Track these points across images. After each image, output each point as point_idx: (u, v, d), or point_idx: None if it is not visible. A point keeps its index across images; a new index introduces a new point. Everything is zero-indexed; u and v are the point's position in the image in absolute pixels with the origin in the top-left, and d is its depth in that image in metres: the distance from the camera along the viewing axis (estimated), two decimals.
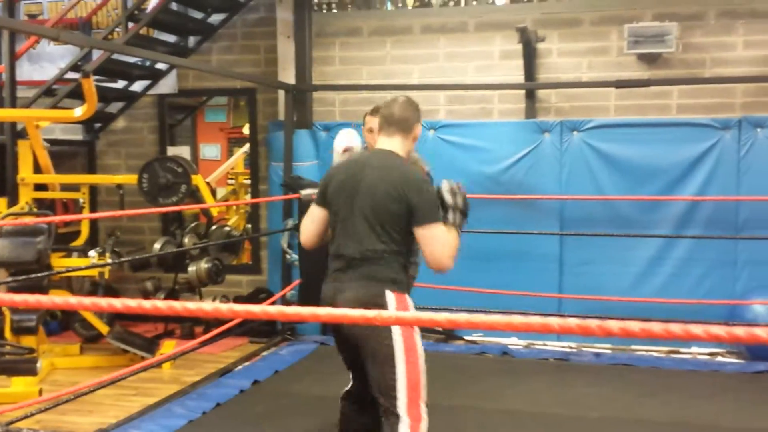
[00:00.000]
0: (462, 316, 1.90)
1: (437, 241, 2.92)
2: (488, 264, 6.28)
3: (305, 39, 6.65)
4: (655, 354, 5.86)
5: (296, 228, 6.26)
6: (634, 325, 1.74)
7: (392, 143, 3.09)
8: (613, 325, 1.77)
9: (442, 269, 2.94)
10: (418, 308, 3.18)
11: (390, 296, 2.93)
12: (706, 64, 6.19)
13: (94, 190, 7.20)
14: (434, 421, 4.30)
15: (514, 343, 6.16)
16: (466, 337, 6.31)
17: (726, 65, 6.13)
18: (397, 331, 2.90)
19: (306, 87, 6.66)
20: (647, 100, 6.29)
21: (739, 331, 1.73)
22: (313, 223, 3.16)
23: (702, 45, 6.18)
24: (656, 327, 1.71)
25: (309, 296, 5.94)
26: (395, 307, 2.92)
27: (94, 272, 5.71)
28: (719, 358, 5.78)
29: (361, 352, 2.97)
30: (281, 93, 6.78)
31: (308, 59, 6.70)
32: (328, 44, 6.95)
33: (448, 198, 3.08)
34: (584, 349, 6.00)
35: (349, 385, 3.26)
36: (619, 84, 6.09)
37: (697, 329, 1.72)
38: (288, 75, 6.79)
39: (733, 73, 6.09)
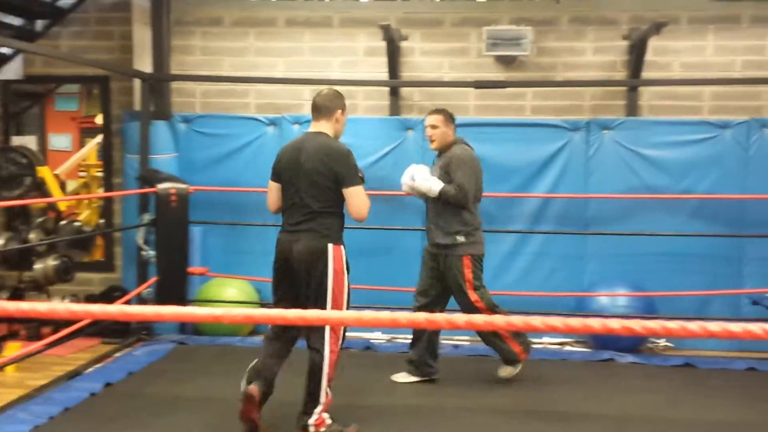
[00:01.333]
0: (318, 313, 1.89)
1: (358, 198, 3.83)
2: (354, 260, 6.25)
3: (163, 26, 6.40)
4: None
5: (153, 223, 6.03)
6: (478, 318, 1.80)
7: (320, 126, 3.97)
8: (458, 319, 1.82)
9: (361, 219, 3.85)
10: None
11: (330, 248, 3.84)
12: (558, 68, 6.50)
13: None
14: (293, 418, 4.27)
15: (378, 337, 6.22)
16: None
17: (576, 69, 6.46)
18: (330, 265, 3.83)
19: (164, 76, 6.41)
20: (504, 101, 6.52)
21: (576, 322, 1.82)
22: (271, 193, 4.04)
23: (555, 49, 6.48)
24: (499, 320, 1.77)
25: (166, 294, 5.74)
26: (333, 255, 3.83)
27: None
28: (567, 348, 6.09)
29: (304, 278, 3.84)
30: (137, 82, 6.49)
31: (166, 48, 6.45)
32: (187, 33, 6.73)
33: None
34: (443, 341, 6.14)
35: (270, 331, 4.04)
36: (478, 85, 6.28)
37: (535, 321, 1.81)
38: (144, 63, 6.51)
39: (582, 77, 6.43)
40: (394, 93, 6.56)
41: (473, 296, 4.76)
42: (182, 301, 5.87)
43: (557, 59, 6.50)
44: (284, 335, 3.97)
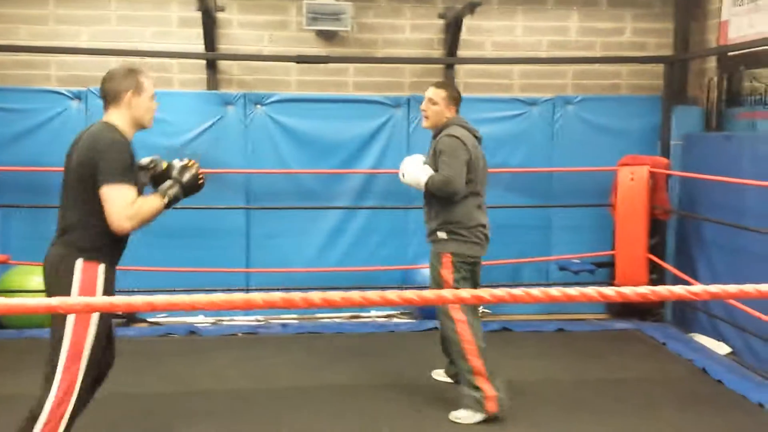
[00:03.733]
0: (140, 299, 1.75)
1: (112, 201, 2.95)
2: (173, 241, 6.03)
3: None
4: (338, 320, 6.12)
5: None
6: (315, 296, 1.75)
7: (107, 116, 3.14)
8: (296, 296, 1.76)
9: (116, 230, 2.99)
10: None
11: (79, 263, 2.98)
12: (378, 44, 6.55)
13: None
14: (120, 411, 4.01)
15: (201, 321, 6.00)
16: (149, 319, 5.99)
17: (396, 46, 6.54)
18: (70, 318, 2.94)
19: None
20: (326, 77, 6.47)
21: (410, 294, 1.82)
22: None
23: (374, 26, 6.52)
24: (335, 295, 1.74)
25: None
26: (81, 274, 2.97)
27: None
28: (395, 320, 6.21)
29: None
30: None
31: None
32: None
33: (175, 172, 3.23)
34: (272, 321, 6.05)
35: None
36: (300, 60, 6.18)
37: (373, 295, 1.78)
38: None
39: (401, 54, 6.53)
40: (212, 66, 6.30)
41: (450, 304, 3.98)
42: None
43: (377, 36, 6.54)
44: None
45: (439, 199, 4.04)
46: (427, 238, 4.20)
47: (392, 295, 1.81)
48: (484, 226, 4.14)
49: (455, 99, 4.22)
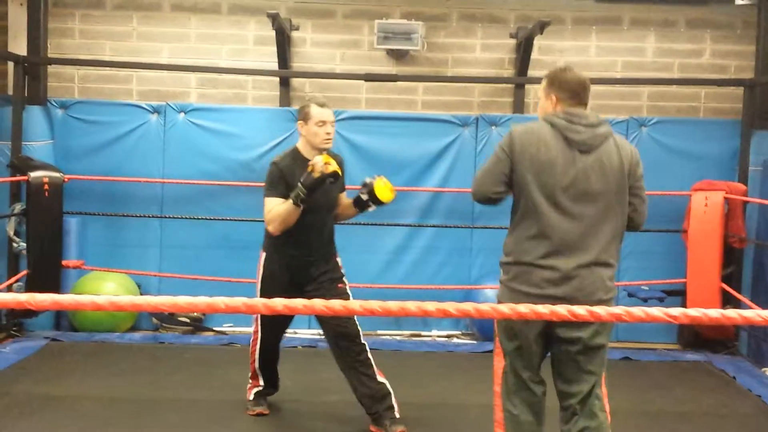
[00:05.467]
0: (203, 300, 1.81)
1: (265, 210, 3.81)
2: (240, 252, 6.16)
3: (40, 7, 6.05)
4: (398, 338, 6.11)
5: (24, 213, 5.70)
6: (374, 304, 1.77)
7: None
8: (356, 305, 1.79)
9: (271, 231, 3.81)
10: None
11: (261, 255, 4.03)
12: (448, 63, 6.56)
13: None
14: (174, 417, 4.12)
15: None
16: (215, 328, 6.14)
17: (466, 66, 6.54)
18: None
19: (39, 59, 6.06)
20: (395, 95, 6.53)
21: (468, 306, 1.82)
22: None
23: (445, 45, 6.54)
24: (393, 305, 1.76)
25: (38, 288, 5.41)
26: (259, 261, 4.05)
27: None
28: (455, 340, 6.16)
29: None
30: (11, 65, 6.11)
31: (43, 29, 6.11)
32: (66, 15, 6.40)
33: (304, 175, 3.70)
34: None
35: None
36: (369, 78, 6.26)
37: (429, 306, 1.79)
38: (19, 45, 6.14)
39: (471, 74, 6.52)
40: (285, 83, 6.45)
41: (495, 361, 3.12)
42: None
43: (447, 55, 6.56)
44: None
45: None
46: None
47: (450, 307, 1.81)
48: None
49: (553, 84, 3.13)
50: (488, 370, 5.20)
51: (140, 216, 6.10)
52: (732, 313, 1.77)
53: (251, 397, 4.27)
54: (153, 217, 6.15)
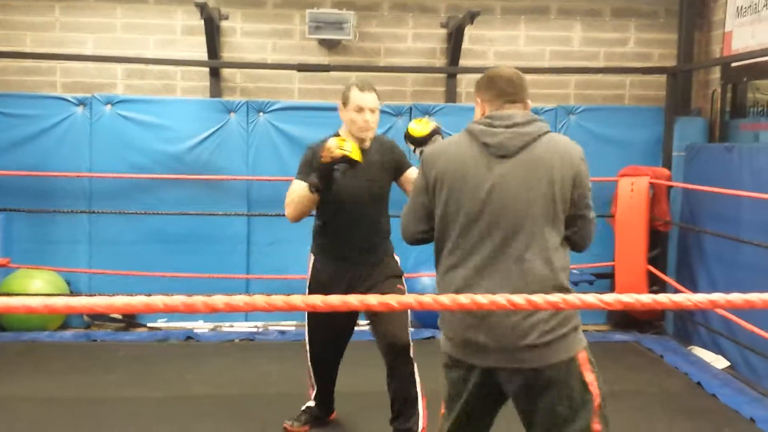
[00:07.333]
0: (140, 300, 1.76)
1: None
2: (174, 246, 6.08)
3: None
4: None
5: None
6: (317, 299, 1.76)
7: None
8: (297, 299, 1.77)
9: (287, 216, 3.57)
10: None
11: (309, 258, 3.72)
12: (381, 53, 6.57)
13: None
14: (105, 413, 4.04)
15: (200, 326, 6.03)
16: (148, 324, 6.03)
17: (398, 55, 6.56)
18: None
19: None
20: (328, 85, 6.50)
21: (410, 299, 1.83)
22: None
23: (377, 35, 6.55)
24: (336, 300, 1.73)
25: None
26: (307, 264, 3.74)
27: None
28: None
29: None
30: None
31: None
32: None
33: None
34: (270, 327, 6.07)
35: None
36: (301, 68, 6.22)
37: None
38: None
39: (403, 63, 6.54)
40: (215, 74, 6.35)
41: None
42: None
43: (379, 45, 6.57)
44: None
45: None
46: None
47: (392, 300, 1.80)
48: None
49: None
50: (428, 357, 5.29)
51: (68, 212, 5.94)
52: (663, 297, 1.83)
53: (303, 407, 3.98)
54: (81, 212, 6.00)
